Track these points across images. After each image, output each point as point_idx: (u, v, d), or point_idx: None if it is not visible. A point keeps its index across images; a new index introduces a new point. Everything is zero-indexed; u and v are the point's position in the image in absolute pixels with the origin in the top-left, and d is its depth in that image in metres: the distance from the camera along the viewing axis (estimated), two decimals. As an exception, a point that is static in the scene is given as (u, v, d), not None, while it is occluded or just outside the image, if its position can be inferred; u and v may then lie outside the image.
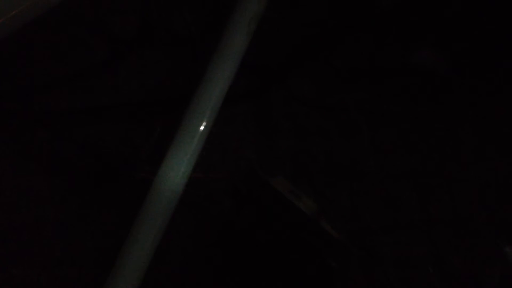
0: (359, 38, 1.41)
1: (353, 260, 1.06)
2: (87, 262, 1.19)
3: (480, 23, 1.38)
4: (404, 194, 1.26)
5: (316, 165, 1.28)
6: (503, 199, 1.28)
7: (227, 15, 1.25)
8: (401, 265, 1.19)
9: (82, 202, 1.23)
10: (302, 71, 1.37)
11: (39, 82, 1.34)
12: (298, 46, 1.39)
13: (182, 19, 1.35)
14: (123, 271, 1.08)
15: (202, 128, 1.17)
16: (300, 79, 1.36)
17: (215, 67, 1.21)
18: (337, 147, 1.30)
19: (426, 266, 1.19)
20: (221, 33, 1.23)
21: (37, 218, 1.23)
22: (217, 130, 1.25)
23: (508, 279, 1.16)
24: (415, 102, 1.35)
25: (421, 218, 1.24)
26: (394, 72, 1.38)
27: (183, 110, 1.17)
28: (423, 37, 1.40)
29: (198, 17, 1.38)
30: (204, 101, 1.18)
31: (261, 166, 1.27)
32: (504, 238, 1.20)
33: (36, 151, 1.28)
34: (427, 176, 1.28)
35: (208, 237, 1.21)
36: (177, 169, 1.13)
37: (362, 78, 1.37)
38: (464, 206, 1.26)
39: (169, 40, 1.39)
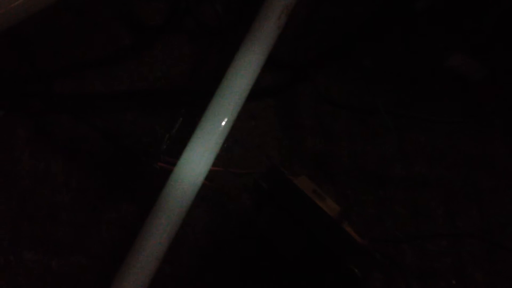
0: (391, 38, 1.37)
1: (375, 267, 1.03)
2: (100, 251, 1.17)
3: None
4: (430, 203, 1.22)
5: (340, 167, 1.24)
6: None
7: (257, 7, 1.22)
8: (423, 275, 1.15)
9: (99, 190, 1.22)
10: (330, 70, 1.34)
11: (61, 66, 1.33)
12: (327, 44, 1.36)
13: (212, 10, 1.33)
14: (137, 263, 1.06)
15: (225, 121, 1.14)
16: (328, 78, 1.33)
17: (242, 59, 1.19)
18: (363, 150, 1.26)
19: (449, 278, 1.16)
20: (250, 26, 1.21)
21: (52, 203, 1.22)
22: (240, 124, 1.23)
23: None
24: (447, 109, 1.31)
25: (447, 228, 1.20)
26: (426, 76, 1.34)
27: (206, 102, 1.15)
28: (457, 41, 1.35)
29: (228, 9, 1.36)
30: (229, 94, 1.16)
31: (283, 163, 1.24)
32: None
33: (55, 135, 1.27)
34: (455, 186, 1.24)
35: (224, 233, 1.18)
36: (197, 161, 1.11)
37: (393, 80, 1.33)
38: (492, 218, 1.22)
39: (197, 30, 1.36)
